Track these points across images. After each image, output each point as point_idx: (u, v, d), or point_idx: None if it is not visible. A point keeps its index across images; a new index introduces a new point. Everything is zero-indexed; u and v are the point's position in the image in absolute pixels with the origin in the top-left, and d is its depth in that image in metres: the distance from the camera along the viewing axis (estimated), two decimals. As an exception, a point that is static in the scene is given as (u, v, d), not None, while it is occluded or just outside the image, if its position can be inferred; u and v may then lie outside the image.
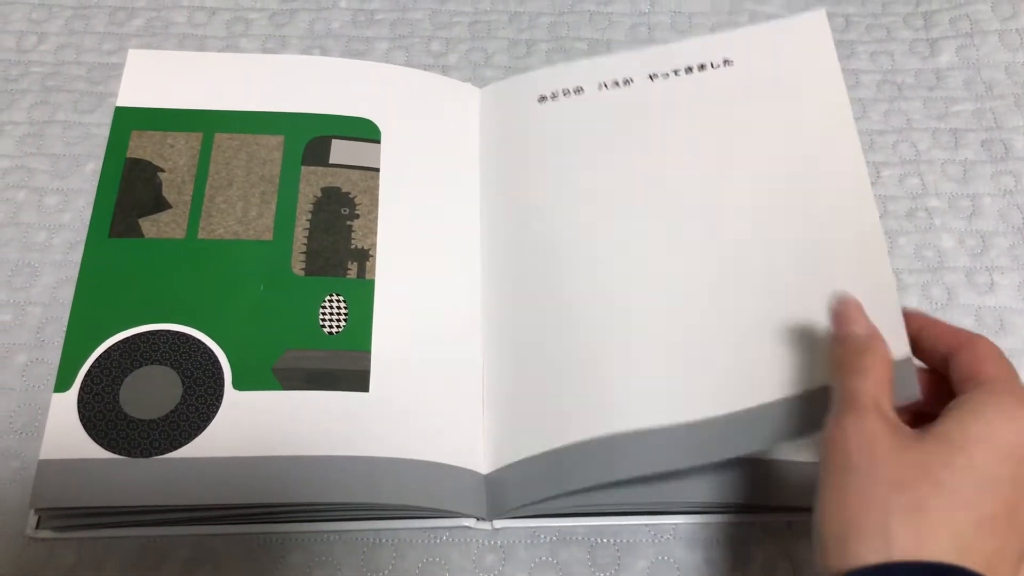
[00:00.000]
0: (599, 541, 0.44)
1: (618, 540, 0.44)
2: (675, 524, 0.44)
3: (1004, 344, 0.49)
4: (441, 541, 0.44)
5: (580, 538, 0.44)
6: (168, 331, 0.45)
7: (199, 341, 0.44)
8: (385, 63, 0.57)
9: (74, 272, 0.49)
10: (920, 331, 0.40)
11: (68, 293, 0.49)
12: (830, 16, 0.61)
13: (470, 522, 0.44)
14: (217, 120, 0.50)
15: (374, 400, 0.44)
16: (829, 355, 0.38)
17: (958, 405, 0.34)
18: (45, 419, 0.43)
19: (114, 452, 0.42)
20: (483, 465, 0.44)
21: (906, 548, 0.30)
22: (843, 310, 0.39)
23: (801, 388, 0.41)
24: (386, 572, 0.43)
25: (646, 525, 0.44)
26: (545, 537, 0.44)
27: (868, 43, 0.60)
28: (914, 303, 0.50)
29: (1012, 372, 0.36)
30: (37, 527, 0.43)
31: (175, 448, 0.42)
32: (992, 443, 0.32)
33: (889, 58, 0.60)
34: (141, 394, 0.43)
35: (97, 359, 0.44)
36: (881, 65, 0.59)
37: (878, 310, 0.39)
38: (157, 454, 0.42)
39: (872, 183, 0.55)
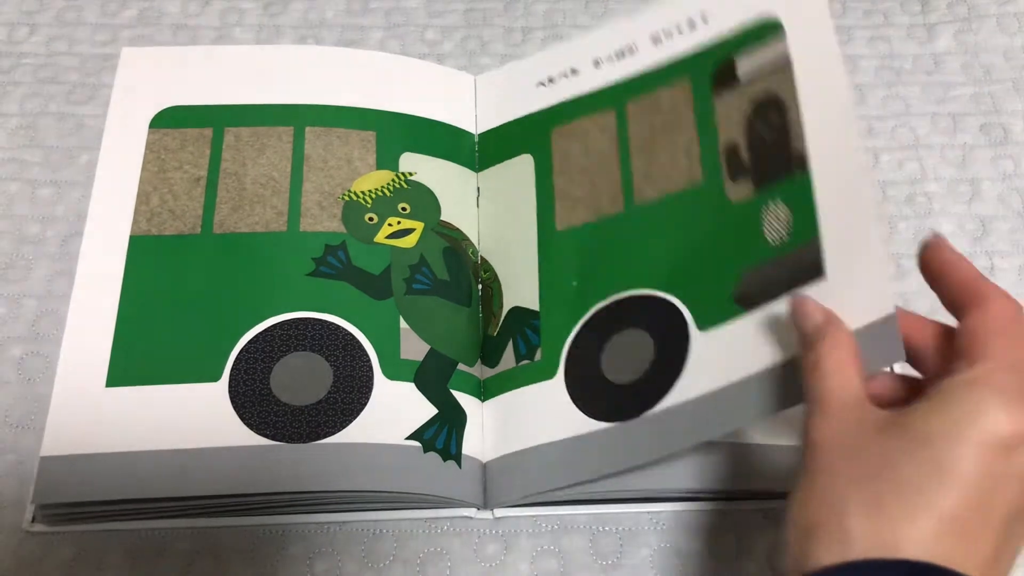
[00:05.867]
0: (601, 529, 0.44)
1: (620, 528, 0.44)
2: (677, 511, 0.44)
3: (1005, 328, 0.49)
4: (442, 531, 0.44)
5: (582, 526, 0.44)
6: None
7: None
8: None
9: (68, 265, 0.49)
10: (942, 269, 0.36)
11: (63, 286, 0.49)
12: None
13: (471, 511, 0.44)
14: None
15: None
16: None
17: (930, 395, 0.32)
18: (44, 413, 0.43)
19: None
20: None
21: (864, 547, 0.29)
22: (797, 306, 0.37)
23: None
24: (387, 563, 0.43)
25: (647, 513, 0.44)
26: (547, 525, 0.44)
27: (866, 28, 0.60)
28: (914, 288, 0.50)
29: (1014, 353, 0.32)
30: (33, 521, 0.43)
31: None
32: (959, 439, 0.30)
33: (887, 43, 0.59)
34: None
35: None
36: (879, 50, 0.59)
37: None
38: None
39: (871, 168, 0.54)
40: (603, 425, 0.43)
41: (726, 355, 0.41)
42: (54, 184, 0.52)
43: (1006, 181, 0.54)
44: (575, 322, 0.46)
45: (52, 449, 0.42)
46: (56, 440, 0.42)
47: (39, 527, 0.43)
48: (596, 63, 0.51)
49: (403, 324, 0.46)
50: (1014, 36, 0.59)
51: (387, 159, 0.50)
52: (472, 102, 0.54)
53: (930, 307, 0.50)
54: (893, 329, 0.36)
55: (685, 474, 0.43)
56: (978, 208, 0.53)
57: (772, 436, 0.44)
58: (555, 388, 0.45)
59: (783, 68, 0.45)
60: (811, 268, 0.40)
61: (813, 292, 0.39)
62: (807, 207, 0.42)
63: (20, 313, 0.49)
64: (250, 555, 0.43)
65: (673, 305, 0.44)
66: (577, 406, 0.44)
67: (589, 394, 0.44)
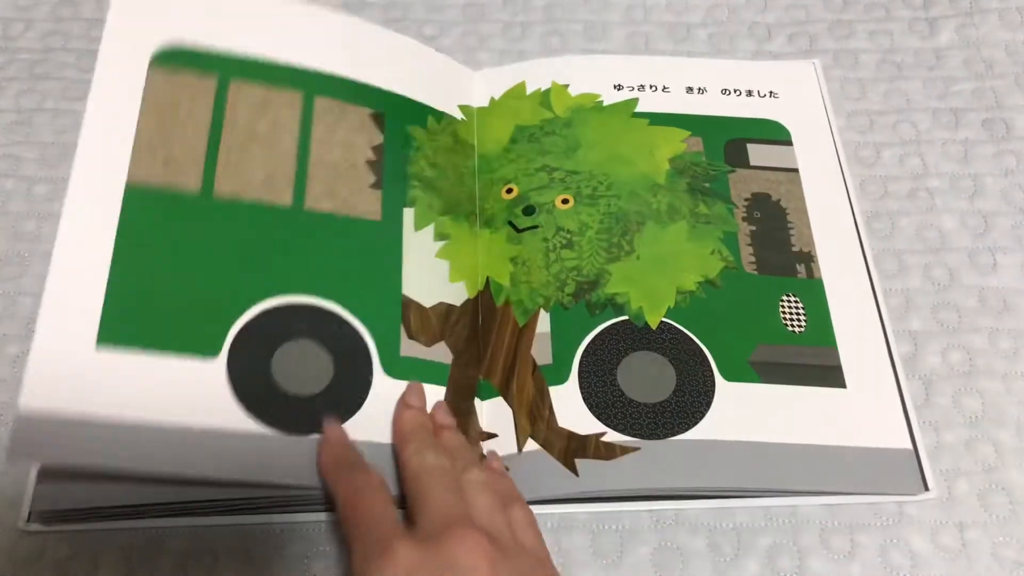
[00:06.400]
0: (601, 527, 0.44)
1: (620, 526, 0.44)
2: (677, 510, 0.44)
3: (1007, 324, 0.49)
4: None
5: (582, 525, 0.44)
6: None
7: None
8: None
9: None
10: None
11: (59, 283, 0.48)
12: (829, -5, 0.61)
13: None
14: None
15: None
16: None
17: None
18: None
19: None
20: None
21: None
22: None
23: None
24: (385, 561, 0.43)
25: (648, 511, 0.44)
26: (547, 524, 0.44)
27: (867, 22, 0.59)
28: (916, 284, 0.50)
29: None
30: (29, 520, 0.43)
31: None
32: None
33: (888, 37, 0.59)
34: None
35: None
36: (880, 44, 0.59)
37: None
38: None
39: (872, 163, 0.54)
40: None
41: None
42: (50, 181, 0.52)
43: (1008, 177, 0.54)
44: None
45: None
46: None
47: (35, 526, 0.43)
48: None
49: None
50: (1016, 31, 0.59)
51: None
52: (470, 98, 0.54)
53: (932, 304, 0.49)
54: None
55: (685, 473, 0.43)
56: (980, 204, 0.53)
57: (771, 435, 0.44)
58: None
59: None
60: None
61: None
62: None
63: (15, 311, 0.48)
64: (248, 555, 0.42)
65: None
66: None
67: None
